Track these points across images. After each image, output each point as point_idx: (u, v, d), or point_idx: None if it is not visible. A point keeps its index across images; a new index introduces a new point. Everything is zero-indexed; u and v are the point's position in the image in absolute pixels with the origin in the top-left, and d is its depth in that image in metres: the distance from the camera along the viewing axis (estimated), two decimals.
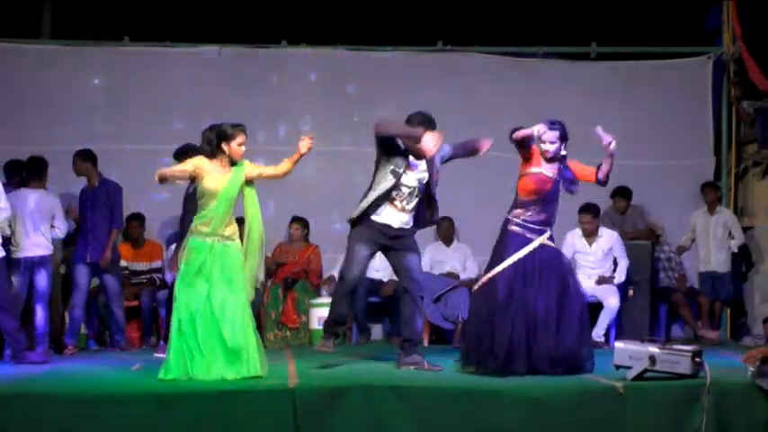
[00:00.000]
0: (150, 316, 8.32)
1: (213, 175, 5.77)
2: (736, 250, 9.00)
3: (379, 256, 6.52)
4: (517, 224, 6.04)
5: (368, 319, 8.76)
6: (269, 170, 6.00)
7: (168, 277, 8.18)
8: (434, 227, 8.79)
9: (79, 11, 10.50)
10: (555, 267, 5.99)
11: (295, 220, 8.93)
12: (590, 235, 8.19)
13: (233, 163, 5.85)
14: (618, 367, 5.52)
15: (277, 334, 8.39)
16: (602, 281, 8.08)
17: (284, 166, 5.98)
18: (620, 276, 8.12)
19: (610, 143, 5.99)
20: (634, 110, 9.53)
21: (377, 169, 6.14)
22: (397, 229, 6.10)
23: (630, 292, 8.36)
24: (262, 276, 6.12)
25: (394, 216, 6.08)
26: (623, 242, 8.31)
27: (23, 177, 7.50)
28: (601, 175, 6.16)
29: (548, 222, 6.07)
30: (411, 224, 6.17)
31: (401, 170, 6.03)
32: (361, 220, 6.11)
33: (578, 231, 8.21)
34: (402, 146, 6.05)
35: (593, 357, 5.98)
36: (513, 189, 6.24)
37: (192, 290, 5.69)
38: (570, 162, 6.17)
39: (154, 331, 8.41)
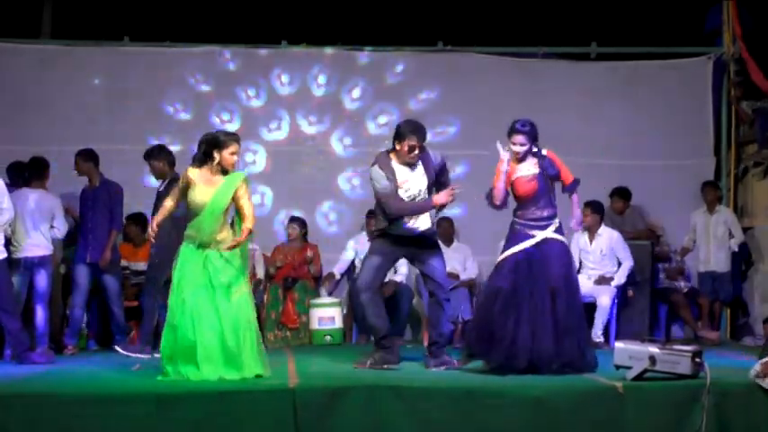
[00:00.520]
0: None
1: (199, 187, 5.75)
2: (736, 249, 8.99)
3: None
4: (520, 224, 6.12)
5: None
6: (247, 209, 5.80)
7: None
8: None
9: (79, 11, 10.49)
10: (557, 259, 5.99)
11: (293, 220, 8.93)
12: (590, 231, 8.18)
13: (225, 172, 5.82)
14: (618, 367, 5.52)
15: (277, 334, 8.39)
16: (601, 281, 8.07)
17: (250, 223, 5.79)
18: (620, 278, 8.10)
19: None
20: (634, 110, 9.53)
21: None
22: (420, 232, 6.22)
23: (630, 293, 8.35)
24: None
25: (411, 221, 6.19)
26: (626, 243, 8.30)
27: (26, 177, 7.50)
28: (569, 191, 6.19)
29: (551, 216, 6.08)
30: (429, 228, 6.25)
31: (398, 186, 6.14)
32: (380, 234, 6.27)
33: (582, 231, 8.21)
34: (391, 178, 6.12)
35: (593, 354, 6.00)
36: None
37: (186, 296, 5.68)
38: (551, 154, 6.18)
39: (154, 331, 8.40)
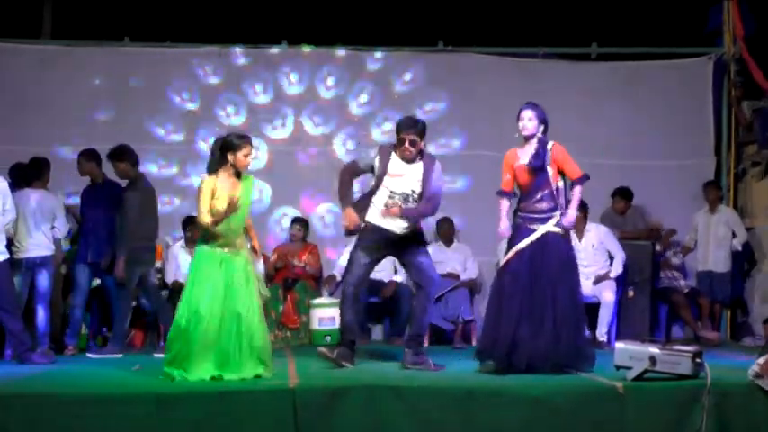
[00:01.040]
0: (152, 316, 8.30)
1: (224, 194, 5.74)
2: (739, 248, 8.99)
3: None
4: (521, 216, 6.11)
5: (368, 320, 8.77)
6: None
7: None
8: (435, 228, 8.82)
9: (79, 11, 10.49)
10: (557, 254, 5.97)
11: (296, 221, 8.95)
12: (576, 230, 8.16)
13: (237, 173, 5.84)
14: (618, 368, 5.52)
15: (277, 334, 8.38)
16: (599, 279, 8.06)
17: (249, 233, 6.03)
18: (617, 269, 8.08)
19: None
20: (634, 110, 9.53)
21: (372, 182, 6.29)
22: (402, 232, 6.21)
23: (630, 293, 8.35)
24: (267, 293, 6.30)
25: (393, 222, 6.18)
26: (614, 235, 8.28)
27: (26, 178, 7.49)
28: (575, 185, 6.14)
29: (552, 209, 6.04)
30: (407, 229, 6.21)
31: (388, 181, 6.16)
32: (365, 228, 6.24)
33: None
34: (382, 163, 6.17)
35: (592, 351, 6.00)
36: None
37: (201, 297, 5.69)
38: (559, 148, 6.12)
39: (156, 330, 8.40)
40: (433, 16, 10.55)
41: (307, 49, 9.57)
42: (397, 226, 6.20)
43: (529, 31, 10.19)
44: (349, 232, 6.29)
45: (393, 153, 6.21)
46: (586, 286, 7.80)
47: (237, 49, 9.51)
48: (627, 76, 9.68)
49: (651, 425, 5.21)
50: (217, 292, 5.70)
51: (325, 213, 9.37)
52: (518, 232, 6.07)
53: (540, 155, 6.03)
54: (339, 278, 8.83)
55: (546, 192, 6.04)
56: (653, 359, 5.36)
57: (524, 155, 6.10)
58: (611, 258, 8.16)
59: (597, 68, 9.74)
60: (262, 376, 5.67)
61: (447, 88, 9.55)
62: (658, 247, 8.84)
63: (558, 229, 6.02)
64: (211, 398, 5.18)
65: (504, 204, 6.19)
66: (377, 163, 6.21)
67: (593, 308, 7.77)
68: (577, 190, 6.10)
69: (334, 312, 8.36)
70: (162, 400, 5.13)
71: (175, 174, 9.34)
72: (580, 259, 8.03)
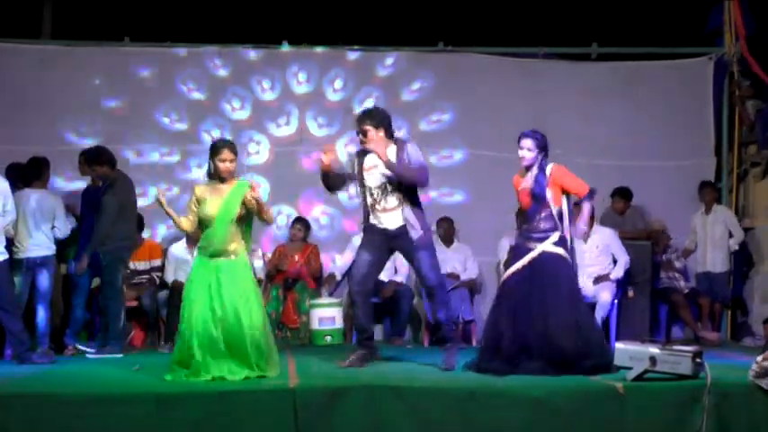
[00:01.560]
0: (152, 316, 8.31)
1: (208, 200, 5.81)
2: (737, 247, 9.00)
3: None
4: (520, 236, 6.18)
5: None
6: (262, 202, 5.89)
7: (169, 276, 8.24)
8: (434, 228, 8.80)
9: (79, 11, 10.48)
10: (553, 273, 5.97)
11: (297, 220, 8.96)
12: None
13: (223, 180, 5.85)
14: (618, 368, 5.52)
15: (277, 334, 8.38)
16: (599, 280, 8.06)
17: (270, 215, 6.03)
18: (618, 272, 8.08)
19: None
20: (634, 110, 9.53)
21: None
22: (396, 229, 6.19)
23: (630, 293, 8.35)
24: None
25: (384, 218, 6.20)
26: (620, 240, 8.29)
27: (26, 178, 7.48)
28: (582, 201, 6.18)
29: (550, 229, 6.05)
30: (409, 222, 6.18)
31: (359, 178, 6.24)
32: (364, 229, 6.31)
33: None
34: (358, 163, 6.25)
35: (595, 359, 5.99)
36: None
37: (194, 304, 5.71)
38: (558, 169, 6.12)
39: (155, 330, 8.41)
40: (433, 17, 10.55)
41: (306, 49, 9.57)
42: (391, 222, 6.18)
43: (529, 31, 10.19)
44: (324, 174, 6.27)
45: (365, 152, 6.25)
46: (588, 286, 7.85)
47: (240, 48, 9.52)
48: (627, 76, 9.67)
49: (651, 425, 5.21)
50: (211, 298, 5.70)
51: (320, 215, 9.36)
52: (518, 251, 6.14)
53: (539, 181, 6.06)
54: (339, 278, 8.85)
55: (546, 213, 6.06)
56: (653, 359, 5.36)
57: (526, 180, 6.16)
58: (615, 262, 8.17)
59: (597, 68, 9.74)
60: (267, 376, 5.66)
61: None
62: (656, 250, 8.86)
63: (556, 249, 6.02)
64: (211, 398, 5.18)
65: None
66: (354, 167, 6.26)
67: (591, 307, 7.78)
68: (586, 205, 6.15)
69: (335, 312, 8.41)
70: (162, 400, 5.13)
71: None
72: (584, 259, 8.11)
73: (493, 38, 9.89)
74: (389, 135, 6.20)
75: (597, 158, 9.27)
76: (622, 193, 9.02)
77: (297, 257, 8.77)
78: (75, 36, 9.70)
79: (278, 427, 5.07)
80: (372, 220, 6.24)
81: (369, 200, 6.22)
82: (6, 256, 6.74)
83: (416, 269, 6.29)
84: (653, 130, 9.47)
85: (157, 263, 8.51)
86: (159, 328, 8.34)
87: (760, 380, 5.28)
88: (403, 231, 6.18)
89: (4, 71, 9.16)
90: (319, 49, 9.59)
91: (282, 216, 9.27)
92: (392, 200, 6.17)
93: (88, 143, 8.43)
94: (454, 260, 8.77)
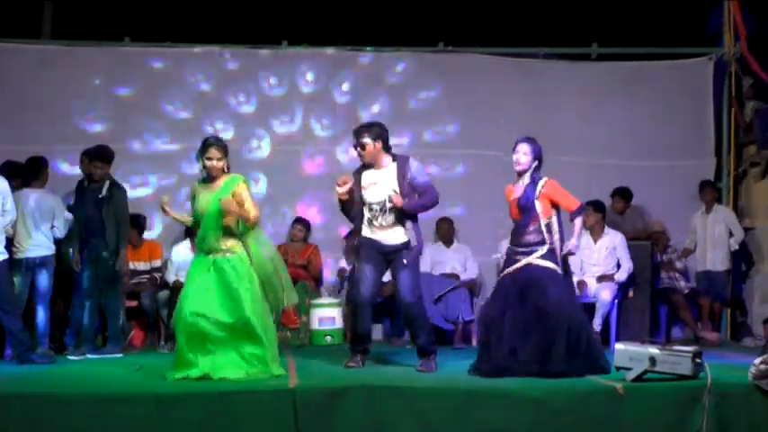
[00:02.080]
0: (152, 316, 8.31)
1: (199, 197, 5.90)
2: (737, 247, 9.00)
3: None
4: (510, 248, 6.20)
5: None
6: (249, 204, 5.85)
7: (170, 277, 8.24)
8: (434, 228, 8.81)
9: (79, 11, 10.49)
10: (539, 286, 5.94)
11: (297, 221, 8.95)
12: (593, 231, 8.17)
13: (212, 177, 5.87)
14: (618, 368, 5.52)
15: (277, 334, 8.37)
16: (602, 279, 8.06)
17: (249, 215, 5.87)
18: (621, 275, 8.08)
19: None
20: (635, 111, 9.52)
21: None
22: (391, 246, 6.22)
23: (630, 293, 8.35)
24: (293, 299, 6.29)
25: (381, 234, 6.22)
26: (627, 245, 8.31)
27: (25, 178, 7.48)
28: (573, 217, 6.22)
29: (538, 243, 6.05)
30: (405, 241, 6.19)
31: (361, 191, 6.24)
32: (362, 243, 6.31)
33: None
34: (357, 181, 6.26)
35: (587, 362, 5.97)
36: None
37: (187, 301, 5.74)
38: (551, 184, 6.12)
39: (155, 330, 8.40)
40: (434, 17, 10.55)
41: (306, 49, 9.56)
42: (387, 239, 6.21)
43: (529, 31, 10.19)
44: (342, 204, 6.29)
45: (364, 168, 6.27)
46: (592, 285, 7.95)
47: (240, 50, 9.52)
48: (627, 76, 9.67)
49: (651, 425, 5.21)
50: (206, 295, 5.71)
51: (315, 216, 9.34)
52: (506, 263, 6.17)
53: (528, 194, 6.08)
54: (348, 273, 8.86)
55: (534, 226, 6.07)
56: (653, 360, 5.36)
57: (517, 190, 6.19)
58: (619, 266, 8.18)
59: (597, 68, 9.73)
60: (267, 375, 5.67)
61: (446, 88, 9.52)
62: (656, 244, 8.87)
63: (543, 263, 6.01)
64: (211, 398, 5.18)
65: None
66: (357, 185, 6.26)
67: (592, 307, 7.80)
68: (578, 221, 6.20)
69: (334, 312, 8.42)
70: (162, 400, 5.13)
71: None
72: (592, 259, 8.14)
73: (493, 38, 9.89)
74: (387, 149, 6.23)
75: (597, 158, 9.28)
76: (622, 194, 9.02)
77: (297, 257, 8.77)
78: (75, 36, 9.70)
79: (278, 427, 5.08)
80: (369, 234, 6.25)
81: (367, 215, 6.24)
82: (6, 255, 6.75)
83: (396, 290, 6.28)
84: (653, 130, 9.47)
85: (157, 263, 8.50)
86: (159, 328, 8.33)
87: (759, 381, 5.29)
88: (397, 249, 6.20)
89: (4, 71, 9.15)
90: (330, 50, 9.57)
91: (279, 214, 9.25)
92: (390, 218, 6.20)
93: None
94: (454, 260, 8.76)
